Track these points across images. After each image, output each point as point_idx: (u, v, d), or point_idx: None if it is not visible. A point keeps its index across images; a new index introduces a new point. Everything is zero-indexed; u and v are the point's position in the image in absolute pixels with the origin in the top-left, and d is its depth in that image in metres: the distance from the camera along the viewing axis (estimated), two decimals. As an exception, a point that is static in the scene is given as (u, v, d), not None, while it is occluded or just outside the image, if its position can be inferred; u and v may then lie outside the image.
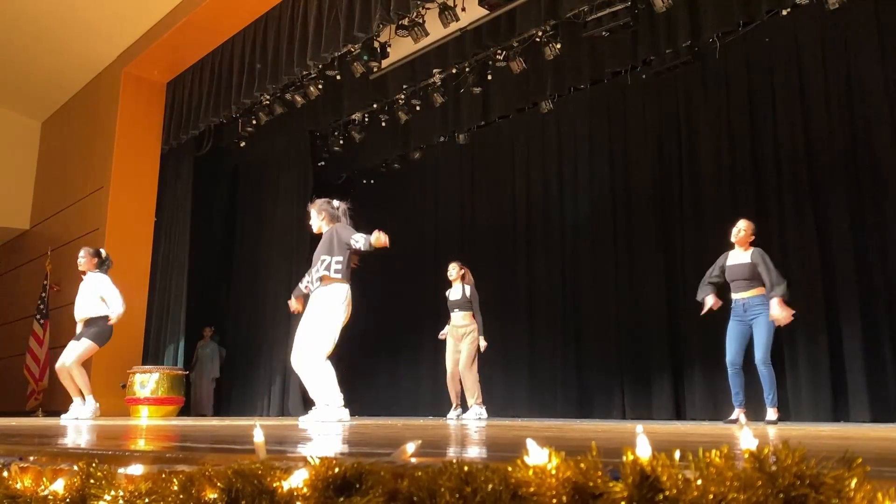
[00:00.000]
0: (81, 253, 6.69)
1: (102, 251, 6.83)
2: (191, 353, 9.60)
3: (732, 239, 5.41)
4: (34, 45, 8.99)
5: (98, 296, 6.51)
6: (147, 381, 7.69)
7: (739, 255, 5.40)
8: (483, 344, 6.89)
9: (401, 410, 9.13)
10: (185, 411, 8.40)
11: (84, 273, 6.67)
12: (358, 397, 10.28)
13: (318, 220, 5.21)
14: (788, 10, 6.41)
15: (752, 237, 5.38)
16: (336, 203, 5.23)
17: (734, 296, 5.37)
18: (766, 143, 6.72)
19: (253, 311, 9.90)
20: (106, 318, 6.46)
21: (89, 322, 6.51)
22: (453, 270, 7.11)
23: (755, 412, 5.41)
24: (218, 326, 10.10)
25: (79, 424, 4.57)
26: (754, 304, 5.25)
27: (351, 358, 10.81)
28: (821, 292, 6.10)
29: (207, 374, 9.78)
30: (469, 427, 4.08)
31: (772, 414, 5.14)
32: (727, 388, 6.51)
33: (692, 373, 6.83)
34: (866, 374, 5.70)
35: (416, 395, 9.33)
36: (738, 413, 5.28)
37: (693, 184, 7.25)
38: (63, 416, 6.43)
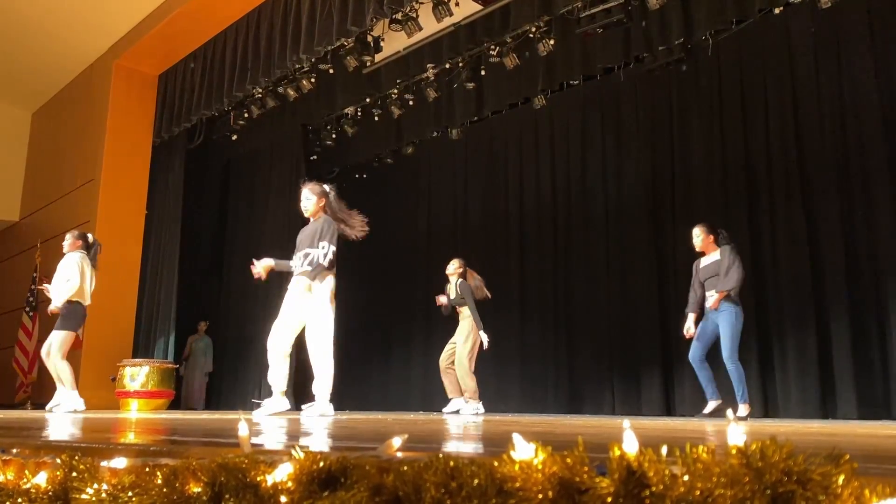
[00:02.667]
0: (67, 236, 6.41)
1: (90, 236, 6.54)
2: (181, 347, 9.57)
3: (697, 249, 5.62)
4: (25, 35, 8.91)
5: (65, 278, 6.19)
6: (137, 375, 7.66)
7: (709, 257, 5.56)
8: (484, 338, 6.61)
9: (392, 405, 9.13)
10: (175, 405, 8.37)
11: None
12: (349, 392, 10.29)
13: (314, 205, 5.14)
14: (781, 8, 6.43)
15: (711, 236, 5.56)
16: (328, 188, 5.21)
17: (706, 294, 5.49)
18: (758, 140, 6.74)
19: (245, 304, 9.86)
20: (76, 302, 6.16)
21: (62, 308, 6.18)
22: (451, 266, 6.99)
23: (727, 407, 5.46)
24: (210, 320, 10.07)
25: (62, 417, 4.53)
26: (721, 303, 5.36)
27: (342, 352, 10.81)
28: (810, 290, 6.13)
29: (201, 368, 9.75)
30: (455, 421, 4.07)
31: (742, 410, 5.21)
32: (716, 384, 6.56)
33: (682, 369, 6.84)
34: (854, 372, 5.74)
35: (406, 389, 9.33)
36: (714, 405, 5.41)
37: (684, 180, 7.26)
38: (48, 406, 6.36)
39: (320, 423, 3.49)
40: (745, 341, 6.41)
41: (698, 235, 5.59)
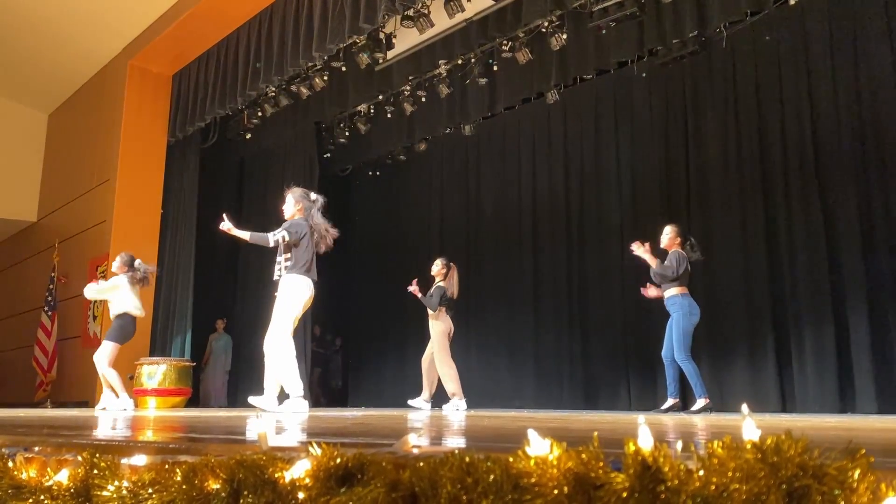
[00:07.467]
0: (116, 259, 6.96)
1: (137, 261, 6.98)
2: (198, 345, 9.62)
3: (662, 245, 5.92)
4: (40, 37, 8.99)
5: (117, 295, 6.75)
6: (154, 373, 7.73)
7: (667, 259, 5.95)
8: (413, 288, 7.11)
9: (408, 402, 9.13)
10: (193, 402, 8.42)
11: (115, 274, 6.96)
12: (365, 389, 10.32)
13: (293, 208, 5.32)
14: (796, -2, 6.38)
15: (678, 239, 5.89)
16: (313, 196, 5.33)
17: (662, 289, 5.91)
18: (773, 132, 6.68)
19: (261, 302, 9.90)
20: (123, 315, 6.71)
21: (113, 320, 6.81)
22: (435, 268, 7.26)
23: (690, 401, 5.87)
24: (227, 318, 10.12)
25: (90, 416, 4.60)
26: (671, 304, 5.76)
27: (358, 349, 10.83)
28: (827, 282, 6.07)
29: (221, 366, 9.79)
30: (457, 418, 4.08)
31: (700, 402, 5.61)
32: (732, 378, 6.54)
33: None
34: (873, 366, 5.68)
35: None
36: (671, 402, 5.83)
37: (699, 173, 7.21)
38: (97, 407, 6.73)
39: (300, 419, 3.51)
40: (761, 335, 6.40)
41: (668, 234, 5.89)
